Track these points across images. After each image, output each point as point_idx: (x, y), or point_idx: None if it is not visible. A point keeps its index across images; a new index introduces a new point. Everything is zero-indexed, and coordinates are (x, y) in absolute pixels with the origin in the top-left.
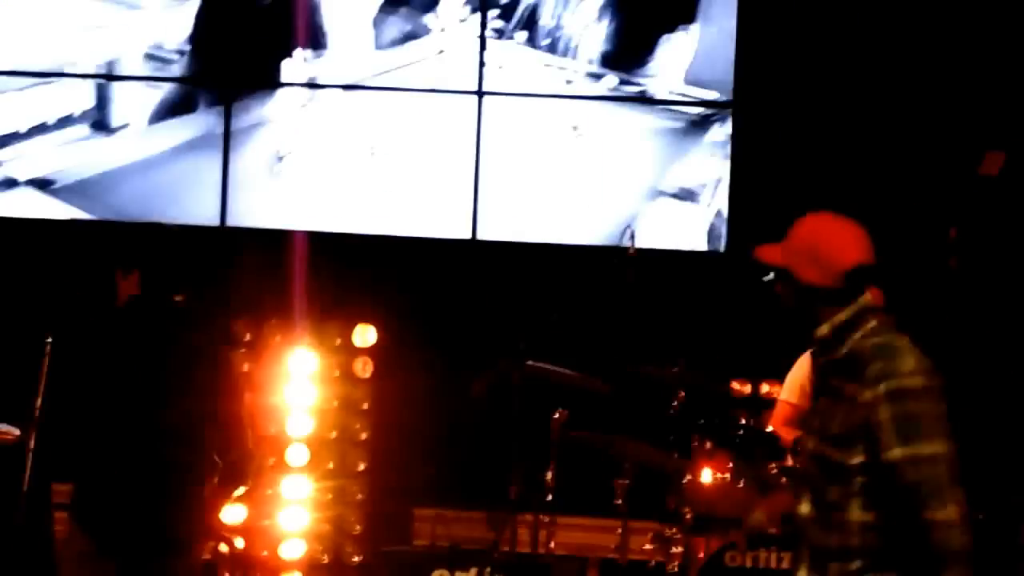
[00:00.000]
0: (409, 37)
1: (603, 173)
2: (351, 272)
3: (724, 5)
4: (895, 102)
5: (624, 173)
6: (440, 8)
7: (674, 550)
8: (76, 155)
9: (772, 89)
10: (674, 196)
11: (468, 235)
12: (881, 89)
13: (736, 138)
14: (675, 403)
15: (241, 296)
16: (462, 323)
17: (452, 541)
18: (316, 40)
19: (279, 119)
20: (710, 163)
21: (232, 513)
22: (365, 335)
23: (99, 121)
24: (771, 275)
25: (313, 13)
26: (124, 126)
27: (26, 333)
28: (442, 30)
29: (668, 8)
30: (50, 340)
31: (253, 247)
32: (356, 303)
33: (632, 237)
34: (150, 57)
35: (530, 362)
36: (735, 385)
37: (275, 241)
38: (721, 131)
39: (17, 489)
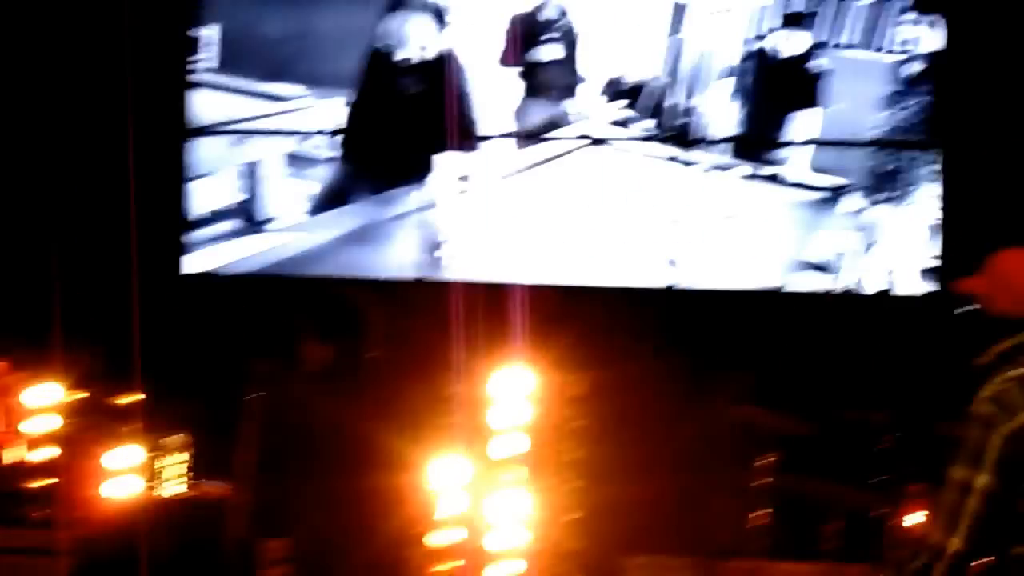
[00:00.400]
0: (551, 126)
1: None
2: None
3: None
4: None
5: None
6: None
7: None
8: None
9: (976, 131)
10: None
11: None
12: None
13: (947, 182)
14: (882, 446)
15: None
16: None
17: None
18: (465, 131)
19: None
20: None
21: None
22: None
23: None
24: (966, 308)
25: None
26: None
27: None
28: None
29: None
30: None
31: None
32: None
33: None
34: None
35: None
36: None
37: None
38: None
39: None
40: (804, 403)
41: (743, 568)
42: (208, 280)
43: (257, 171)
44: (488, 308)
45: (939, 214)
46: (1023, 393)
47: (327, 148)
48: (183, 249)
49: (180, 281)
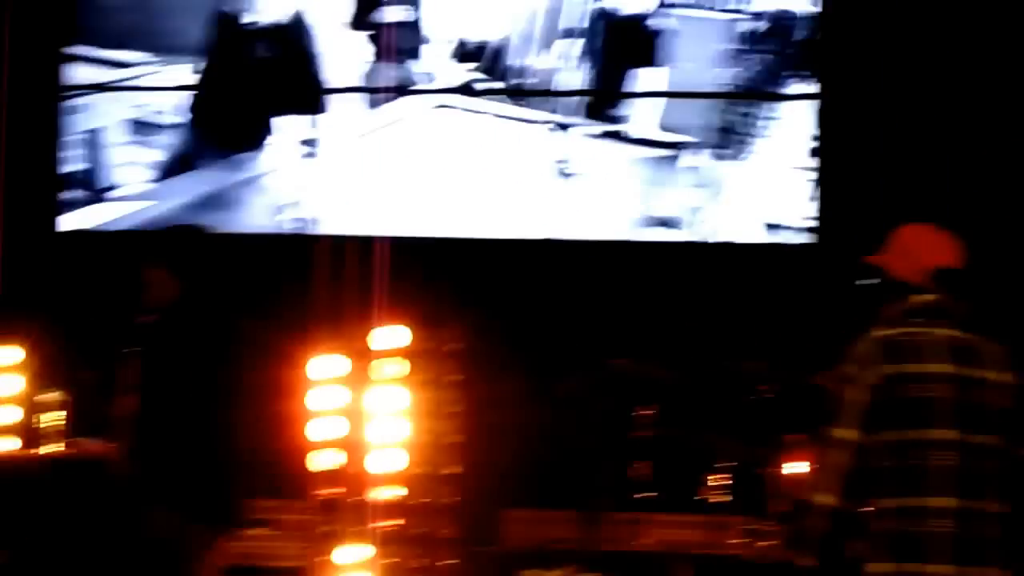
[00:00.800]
0: (400, 88)
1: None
2: (427, 278)
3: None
4: (987, 86)
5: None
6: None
7: (762, 543)
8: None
9: (858, 83)
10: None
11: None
12: (962, 81)
13: (823, 132)
14: (761, 397)
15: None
16: (544, 324)
17: (540, 541)
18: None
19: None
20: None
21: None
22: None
23: None
24: (867, 280)
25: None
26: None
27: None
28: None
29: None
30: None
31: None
32: (437, 308)
33: None
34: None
35: (615, 360)
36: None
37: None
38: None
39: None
40: (682, 354)
41: (623, 520)
42: (81, 238)
43: (100, 138)
44: (348, 263)
45: (813, 166)
46: (882, 351)
47: (173, 114)
48: (58, 209)
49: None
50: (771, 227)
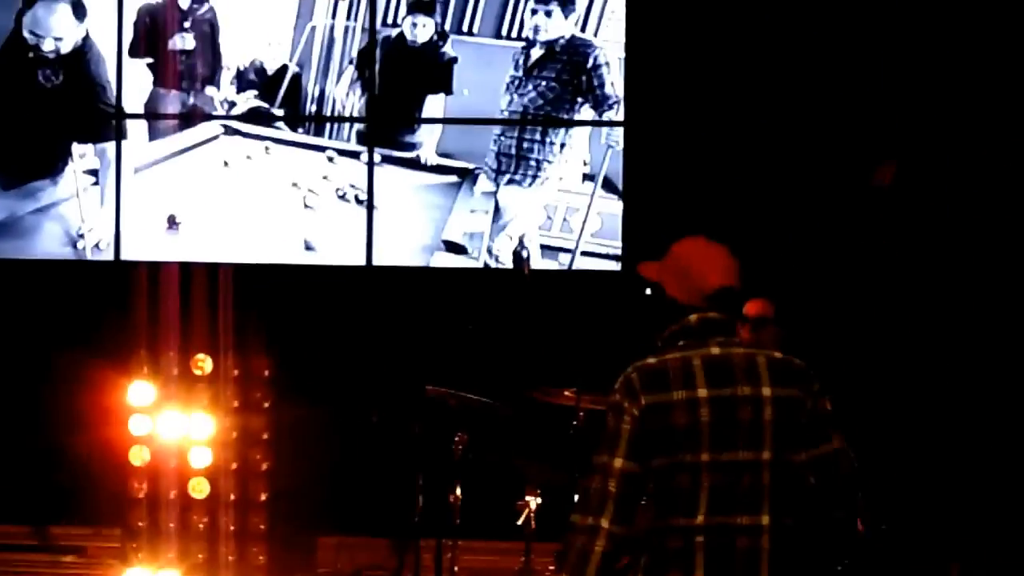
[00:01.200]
0: (189, 115)
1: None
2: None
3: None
4: (784, 111)
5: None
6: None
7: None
8: None
9: (659, 105)
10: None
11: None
12: (768, 99)
13: (627, 153)
14: (574, 424)
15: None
16: (359, 350)
17: (355, 568)
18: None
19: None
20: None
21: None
22: (204, 365)
23: None
24: (648, 290)
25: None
26: None
27: None
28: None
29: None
30: None
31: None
32: (247, 332)
33: (526, 259)
34: None
35: (429, 386)
36: None
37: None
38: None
39: None
40: (495, 382)
41: (435, 547)
42: None
43: None
44: (155, 290)
45: (616, 194)
46: (646, 381)
47: None
48: None
49: None
50: (570, 252)
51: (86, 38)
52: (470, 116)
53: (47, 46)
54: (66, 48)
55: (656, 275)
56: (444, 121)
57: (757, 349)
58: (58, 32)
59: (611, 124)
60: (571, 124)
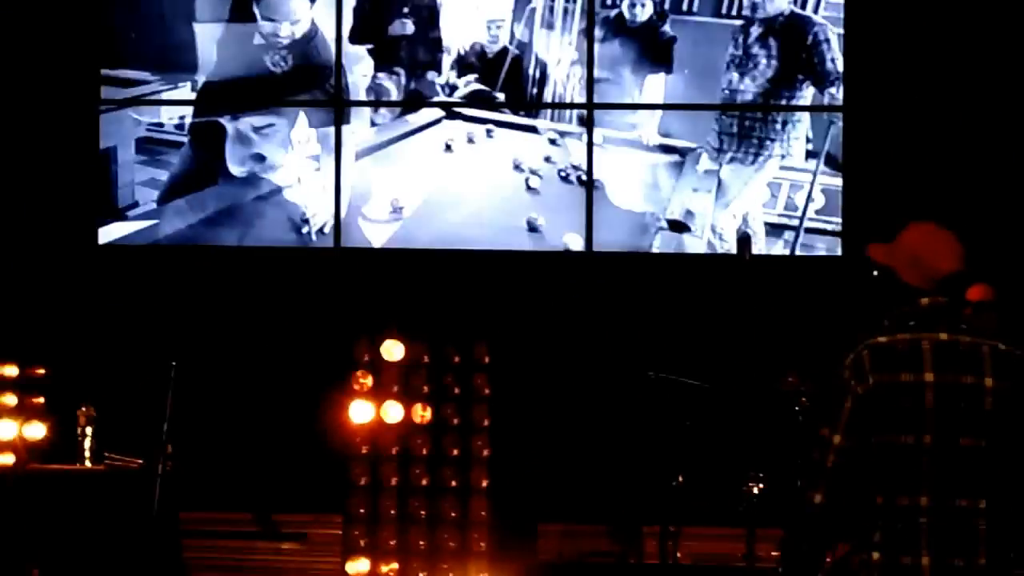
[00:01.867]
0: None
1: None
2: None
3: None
4: (1007, 88)
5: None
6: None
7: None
8: None
9: (881, 95)
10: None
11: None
12: (990, 75)
13: (847, 131)
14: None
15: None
16: (582, 337)
17: (578, 555)
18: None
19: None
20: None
21: None
22: (392, 351)
23: None
24: (876, 272)
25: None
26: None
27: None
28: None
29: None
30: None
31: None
32: (467, 319)
33: (749, 241)
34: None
35: (653, 374)
36: None
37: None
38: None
39: (147, 516)
40: (716, 368)
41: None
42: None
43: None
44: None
45: (839, 177)
46: (876, 360)
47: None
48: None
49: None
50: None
51: (312, 23)
52: (690, 95)
53: (284, 31)
54: (299, 33)
55: (886, 259)
56: (663, 107)
57: (981, 337)
58: (295, 16)
59: (829, 109)
60: (790, 109)
